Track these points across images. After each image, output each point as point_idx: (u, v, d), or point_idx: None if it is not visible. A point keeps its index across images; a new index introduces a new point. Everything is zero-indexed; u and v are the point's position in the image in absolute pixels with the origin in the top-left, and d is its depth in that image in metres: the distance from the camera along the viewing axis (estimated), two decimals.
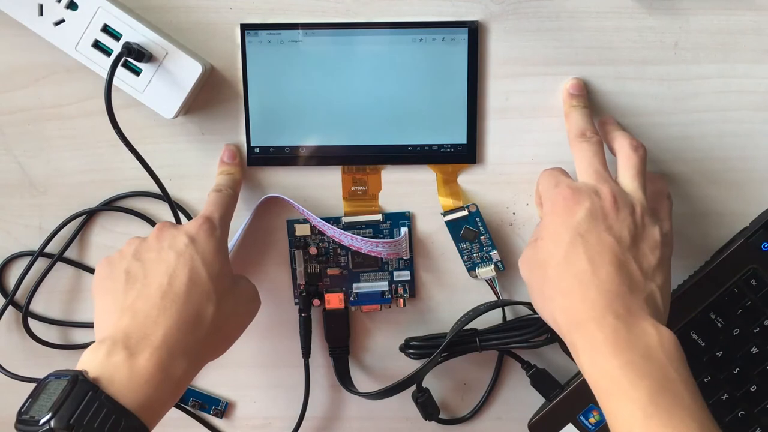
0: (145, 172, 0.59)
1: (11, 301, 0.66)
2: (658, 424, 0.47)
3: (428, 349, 0.64)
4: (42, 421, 0.47)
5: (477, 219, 0.64)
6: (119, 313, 0.54)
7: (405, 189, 0.64)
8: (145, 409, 0.50)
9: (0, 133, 0.64)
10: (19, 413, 0.49)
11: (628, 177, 0.55)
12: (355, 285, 0.65)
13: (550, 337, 0.61)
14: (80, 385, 0.48)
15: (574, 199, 0.54)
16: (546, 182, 0.57)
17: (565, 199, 0.54)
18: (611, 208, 0.53)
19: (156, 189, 0.60)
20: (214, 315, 0.55)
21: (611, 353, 0.50)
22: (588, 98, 0.61)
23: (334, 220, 0.64)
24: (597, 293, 0.51)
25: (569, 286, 0.52)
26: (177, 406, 0.67)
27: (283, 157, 0.63)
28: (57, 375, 0.50)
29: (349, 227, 0.64)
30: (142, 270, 0.55)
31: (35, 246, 0.65)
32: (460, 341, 0.63)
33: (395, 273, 0.65)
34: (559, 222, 0.54)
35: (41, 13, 0.59)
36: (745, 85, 0.61)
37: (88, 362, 0.51)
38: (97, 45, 0.59)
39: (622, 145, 0.57)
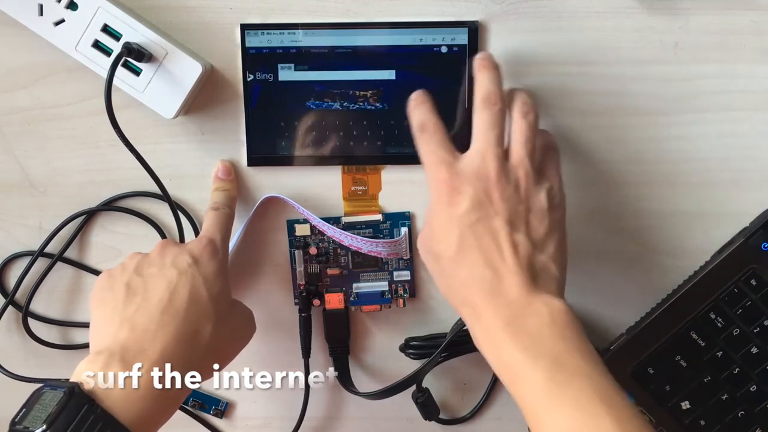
0: (145, 172, 0.59)
1: (11, 301, 0.66)
2: (558, 398, 0.48)
3: (428, 349, 0.64)
4: None
5: None
6: (118, 324, 0.54)
7: (405, 189, 0.64)
8: (139, 424, 0.50)
9: (0, 133, 0.64)
10: (13, 423, 0.48)
11: (516, 146, 0.55)
12: (355, 285, 0.65)
13: None
14: (76, 398, 0.48)
15: (456, 188, 0.53)
16: (428, 156, 0.55)
17: (448, 188, 0.53)
18: (495, 187, 0.53)
19: (156, 189, 0.60)
20: (211, 334, 0.55)
21: (508, 340, 0.51)
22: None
23: (334, 220, 0.64)
24: (491, 281, 0.52)
25: (465, 278, 0.53)
26: None
27: (283, 157, 0.63)
28: (52, 386, 0.49)
29: (349, 227, 0.64)
30: (142, 284, 0.55)
31: (35, 246, 0.65)
32: (460, 341, 0.63)
33: (395, 273, 0.65)
34: (446, 215, 0.53)
35: (41, 13, 0.59)
36: (745, 85, 0.61)
37: (84, 374, 0.50)
38: (97, 45, 0.59)
39: (514, 111, 0.56)
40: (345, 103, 0.62)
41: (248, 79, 0.61)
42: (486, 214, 0.53)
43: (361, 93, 0.61)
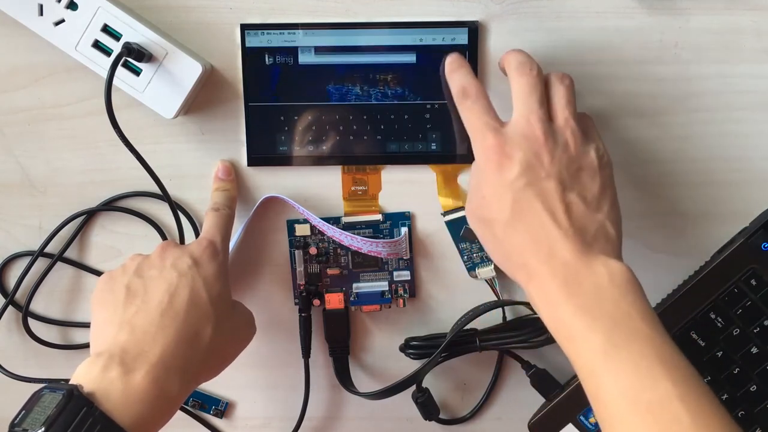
0: (145, 172, 0.59)
1: (11, 301, 0.66)
2: (617, 360, 0.48)
3: (428, 349, 0.64)
4: None
5: None
6: (117, 326, 0.53)
7: (405, 189, 0.64)
8: (138, 427, 0.50)
9: (0, 133, 0.64)
10: (12, 425, 0.48)
11: (559, 107, 0.54)
12: (355, 285, 0.65)
13: (550, 336, 0.61)
14: (75, 401, 0.48)
15: (505, 153, 0.53)
16: (473, 123, 0.55)
17: (497, 154, 0.53)
18: (544, 149, 0.53)
19: (156, 189, 0.60)
20: (211, 336, 0.55)
21: (564, 300, 0.50)
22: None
23: (334, 220, 0.64)
24: (547, 243, 0.52)
25: (520, 242, 0.52)
26: None
27: (283, 157, 0.63)
28: (52, 388, 0.49)
29: (349, 227, 0.64)
30: (143, 286, 0.55)
31: (35, 246, 0.65)
32: (460, 341, 0.63)
33: (395, 273, 0.65)
34: (496, 181, 0.53)
35: (41, 13, 0.59)
36: (745, 85, 0.61)
37: (83, 376, 0.50)
38: (97, 45, 0.59)
39: (550, 78, 0.56)
40: (365, 87, 0.61)
41: (248, 79, 0.61)
42: (537, 177, 0.52)
43: (382, 77, 0.61)
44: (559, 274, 0.51)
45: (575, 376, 0.64)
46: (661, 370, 0.47)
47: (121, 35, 0.59)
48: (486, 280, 0.65)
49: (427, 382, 0.65)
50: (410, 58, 0.61)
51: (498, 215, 0.53)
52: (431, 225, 0.64)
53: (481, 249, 0.64)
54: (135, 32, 0.58)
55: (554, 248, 0.51)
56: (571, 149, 0.53)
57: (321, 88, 0.61)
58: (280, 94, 0.62)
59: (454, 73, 0.57)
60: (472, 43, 0.61)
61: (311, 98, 0.62)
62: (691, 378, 0.48)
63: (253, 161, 0.63)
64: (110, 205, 0.65)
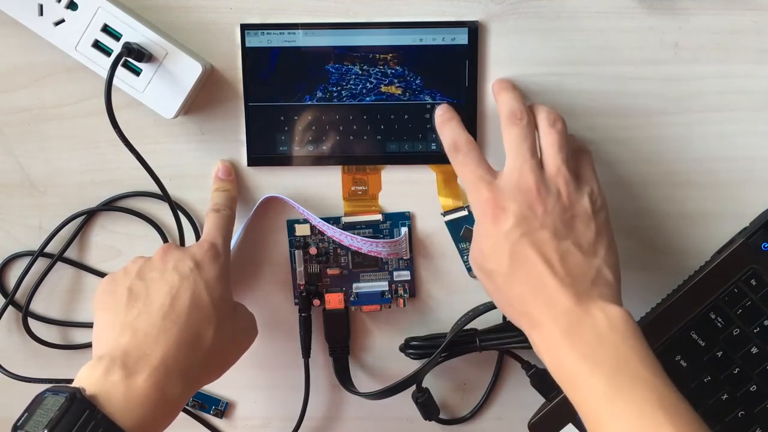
0: (145, 172, 0.59)
1: (11, 301, 0.66)
2: (620, 405, 0.49)
3: (428, 349, 0.64)
4: None
5: None
6: (119, 329, 0.54)
7: (405, 189, 0.64)
8: (139, 430, 0.50)
9: (0, 133, 0.64)
10: (15, 427, 0.48)
11: (550, 155, 0.55)
12: (355, 285, 0.65)
13: None
14: (77, 403, 0.48)
15: (499, 206, 0.53)
16: (467, 177, 0.56)
17: (491, 207, 0.54)
18: (537, 200, 0.53)
19: (156, 189, 0.60)
20: (213, 339, 0.55)
21: (566, 347, 0.51)
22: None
23: (334, 220, 0.64)
24: (545, 293, 0.52)
25: (521, 292, 0.53)
26: None
27: (283, 157, 0.63)
28: (54, 391, 0.49)
29: (349, 227, 0.64)
30: (144, 289, 0.55)
31: (35, 246, 0.65)
32: (460, 341, 0.63)
33: (395, 273, 0.65)
34: (493, 233, 0.54)
35: (41, 13, 0.59)
36: (745, 85, 0.61)
37: (85, 379, 0.51)
38: (97, 45, 0.59)
39: (540, 123, 0.56)
40: (345, 103, 0.62)
41: (248, 79, 0.61)
42: (531, 228, 0.53)
43: (381, 56, 0.61)
44: (560, 322, 0.52)
45: None
46: (664, 416, 0.48)
47: (121, 35, 0.59)
48: None
49: (427, 382, 0.65)
50: (410, 56, 0.61)
51: (497, 267, 0.54)
52: (431, 225, 0.64)
53: None
54: (135, 32, 0.58)
55: (553, 297, 0.52)
56: (563, 198, 0.54)
57: (321, 90, 0.61)
58: (279, 94, 0.62)
59: (444, 126, 0.58)
60: (472, 43, 0.61)
61: (311, 98, 0.62)
62: (693, 424, 0.48)
63: (253, 161, 0.63)
64: (110, 205, 0.65)
